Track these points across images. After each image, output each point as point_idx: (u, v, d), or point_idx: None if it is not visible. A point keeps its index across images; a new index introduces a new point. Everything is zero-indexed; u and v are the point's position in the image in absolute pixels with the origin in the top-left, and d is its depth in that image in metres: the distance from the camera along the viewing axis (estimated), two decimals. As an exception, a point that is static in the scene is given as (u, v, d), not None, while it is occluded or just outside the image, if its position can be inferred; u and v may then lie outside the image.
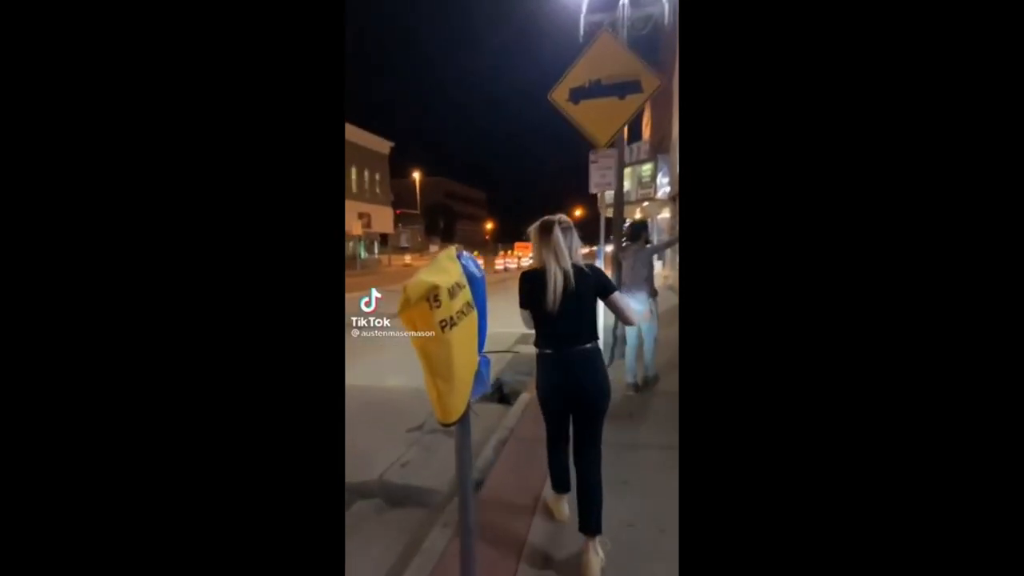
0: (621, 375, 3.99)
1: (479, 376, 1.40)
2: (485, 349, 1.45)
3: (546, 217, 1.72)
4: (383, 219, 29.90)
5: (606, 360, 4.03)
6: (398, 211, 33.01)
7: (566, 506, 1.98)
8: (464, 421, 1.36)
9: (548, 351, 1.71)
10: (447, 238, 46.90)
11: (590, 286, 1.68)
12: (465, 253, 1.37)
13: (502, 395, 4.05)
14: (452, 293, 1.13)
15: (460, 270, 1.23)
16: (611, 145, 4.07)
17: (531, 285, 1.70)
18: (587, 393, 1.69)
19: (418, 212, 38.65)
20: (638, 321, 3.68)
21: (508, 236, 59.07)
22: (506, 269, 20.31)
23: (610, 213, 4.95)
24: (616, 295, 1.70)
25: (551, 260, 1.66)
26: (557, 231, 1.67)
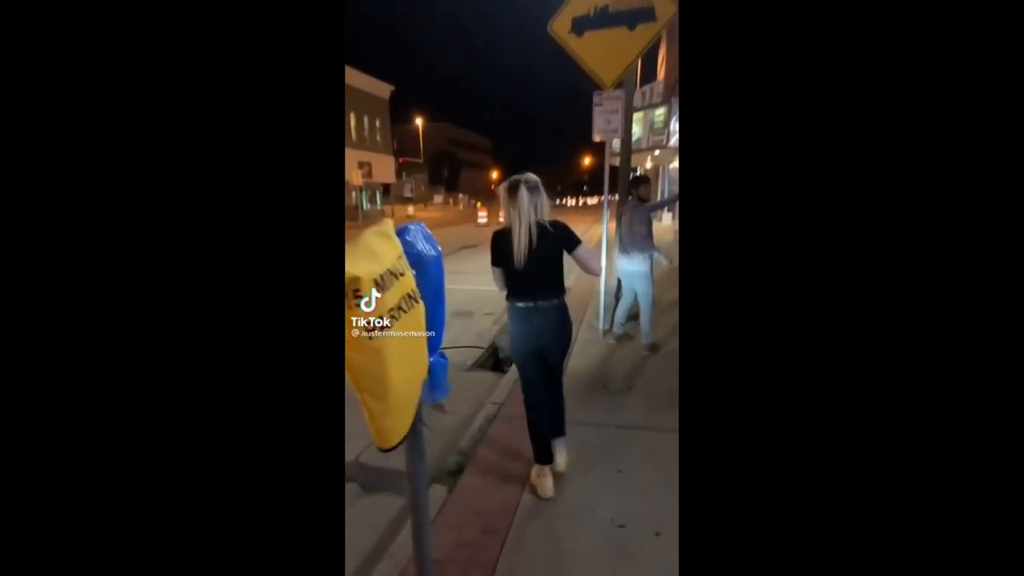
0: (611, 345, 3.76)
1: (434, 381, 1.14)
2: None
3: (513, 176, 1.79)
4: (384, 168, 28.93)
5: (605, 324, 3.79)
6: (400, 159, 32.01)
7: (550, 481, 1.95)
8: (414, 442, 1.11)
9: (517, 304, 1.87)
10: (451, 187, 45.98)
11: (554, 242, 1.80)
12: (412, 225, 1.08)
13: (496, 360, 3.85)
14: (382, 285, 0.85)
15: (397, 252, 0.94)
16: (618, 86, 3.60)
17: (500, 243, 1.82)
18: (550, 342, 1.90)
19: (421, 160, 37.46)
20: (642, 286, 3.47)
21: (514, 185, 57.45)
22: (511, 220, 19.67)
23: (616, 162, 4.53)
24: (579, 249, 1.81)
25: (517, 219, 1.75)
26: (523, 191, 1.75)
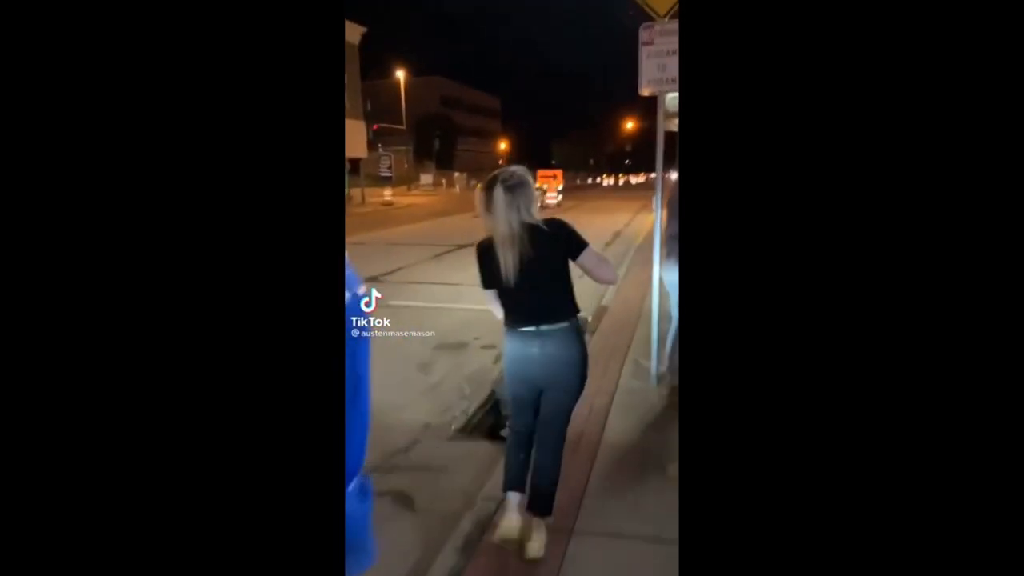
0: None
1: (350, 540, 0.83)
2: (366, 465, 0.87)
3: (493, 173, 1.95)
4: (353, 138, 28.97)
5: (660, 364, 3.81)
6: (375, 126, 32.27)
7: (515, 516, 2.04)
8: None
9: (511, 328, 2.00)
10: (444, 162, 46.18)
11: (553, 247, 1.89)
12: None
13: (496, 419, 3.53)
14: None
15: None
16: (675, 16, 3.33)
17: (486, 259, 1.95)
18: (555, 380, 2.01)
19: (403, 127, 37.79)
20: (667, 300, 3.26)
21: (529, 159, 58.30)
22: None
23: (675, 127, 4.26)
24: (584, 254, 1.90)
25: (495, 227, 1.88)
26: (499, 191, 1.86)
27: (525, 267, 1.87)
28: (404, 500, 2.56)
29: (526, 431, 2.14)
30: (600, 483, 2.55)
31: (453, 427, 3.39)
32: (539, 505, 2.05)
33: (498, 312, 2.06)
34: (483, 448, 3.11)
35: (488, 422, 3.52)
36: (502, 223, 1.85)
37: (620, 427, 3.11)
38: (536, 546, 2.00)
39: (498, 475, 2.64)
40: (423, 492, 2.61)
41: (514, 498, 2.07)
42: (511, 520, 2.03)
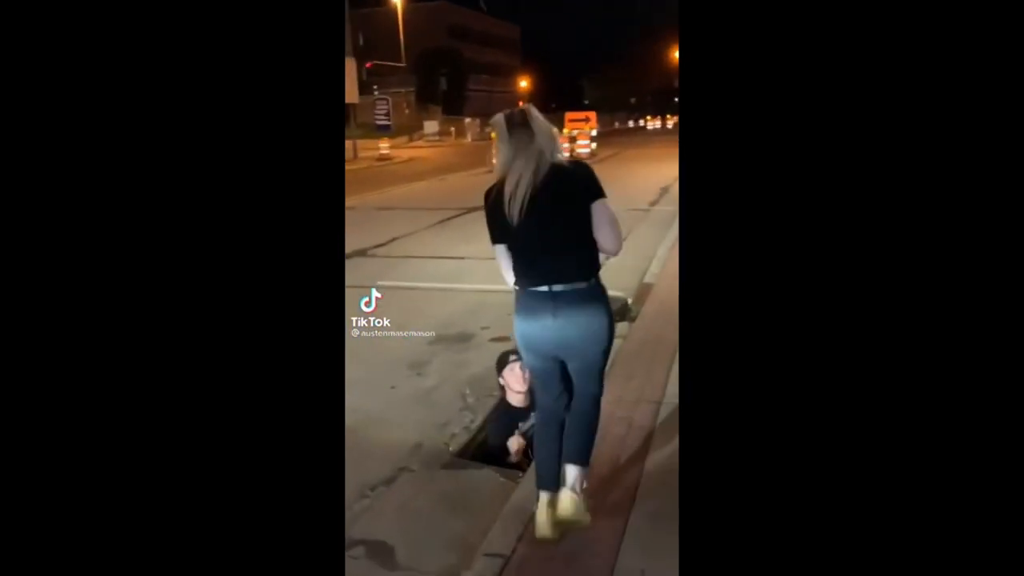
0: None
1: None
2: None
3: (508, 111, 2.06)
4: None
5: None
6: (369, 64, 32.09)
7: (548, 517, 2.13)
8: None
9: (522, 288, 2.06)
10: (452, 107, 45.86)
11: (574, 191, 1.96)
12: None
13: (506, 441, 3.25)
14: None
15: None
16: None
17: (495, 206, 2.00)
18: (574, 345, 2.08)
19: (403, 64, 37.59)
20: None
21: (557, 100, 57.57)
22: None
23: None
24: (601, 202, 1.97)
25: (515, 154, 1.93)
26: (536, 119, 1.95)
27: (540, 212, 1.91)
28: (383, 553, 2.39)
29: (555, 407, 2.23)
30: (640, 534, 2.27)
31: (451, 449, 3.20)
32: (572, 454, 2.18)
33: (509, 276, 2.11)
34: (489, 479, 2.90)
35: (497, 443, 3.26)
36: (524, 152, 1.91)
37: (668, 453, 2.82)
38: (567, 500, 2.10)
39: (501, 524, 2.44)
40: (408, 542, 2.45)
41: (548, 497, 2.14)
42: (543, 516, 2.11)
